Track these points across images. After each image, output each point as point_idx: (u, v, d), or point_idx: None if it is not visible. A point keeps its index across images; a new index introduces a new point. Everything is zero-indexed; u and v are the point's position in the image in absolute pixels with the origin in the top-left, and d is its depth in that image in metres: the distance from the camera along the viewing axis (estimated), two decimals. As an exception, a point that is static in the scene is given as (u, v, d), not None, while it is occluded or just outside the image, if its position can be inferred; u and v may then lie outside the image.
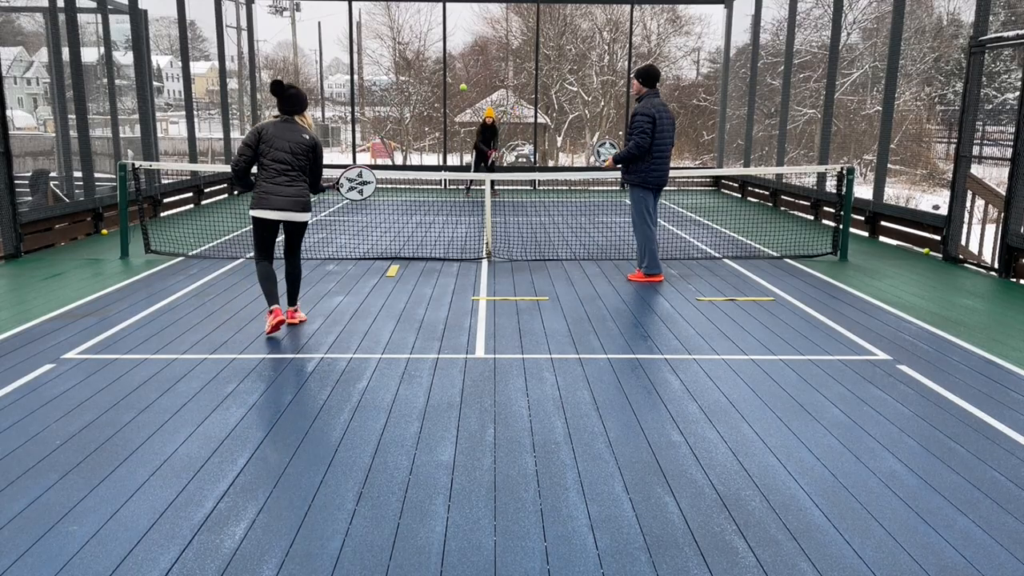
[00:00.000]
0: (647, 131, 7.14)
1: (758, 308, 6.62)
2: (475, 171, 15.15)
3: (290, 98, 5.54)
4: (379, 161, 33.13)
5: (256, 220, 5.56)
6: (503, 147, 30.66)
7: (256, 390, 4.55)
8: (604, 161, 7.74)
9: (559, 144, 34.42)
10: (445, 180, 17.67)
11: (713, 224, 11.79)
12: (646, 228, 7.52)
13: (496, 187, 16.20)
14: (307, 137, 5.55)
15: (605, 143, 7.92)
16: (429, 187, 17.63)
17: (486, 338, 5.63)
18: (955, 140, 10.56)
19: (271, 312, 5.51)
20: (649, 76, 7.31)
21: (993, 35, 8.42)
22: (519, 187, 17.41)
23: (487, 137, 15.33)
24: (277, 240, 5.72)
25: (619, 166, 7.55)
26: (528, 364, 5.06)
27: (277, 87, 5.51)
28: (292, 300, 5.93)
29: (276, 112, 5.63)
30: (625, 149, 7.33)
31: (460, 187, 16.77)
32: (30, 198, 11.21)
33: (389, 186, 17.88)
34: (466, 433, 3.97)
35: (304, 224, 5.68)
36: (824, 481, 3.48)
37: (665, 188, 7.66)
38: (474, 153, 15.49)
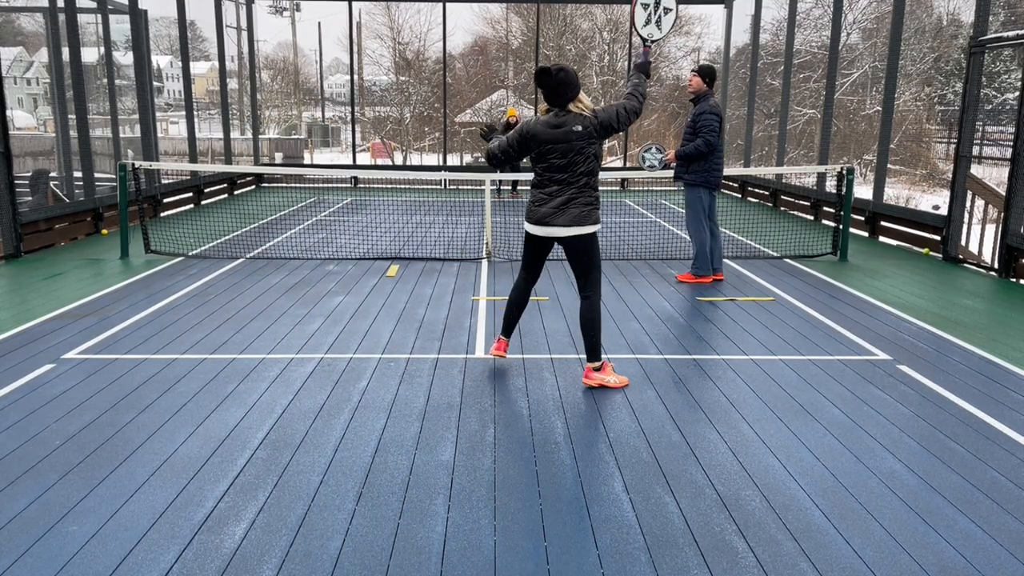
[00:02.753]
0: (716, 130, 7.10)
1: (758, 308, 6.62)
2: (511, 171, 14.93)
3: (559, 85, 4.35)
4: (379, 161, 33.13)
5: (526, 232, 4.70)
6: None
7: (256, 390, 4.55)
8: (650, 167, 7.46)
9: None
10: (445, 180, 17.67)
11: (713, 224, 11.78)
12: (702, 229, 7.38)
13: (519, 187, 16.04)
14: (577, 129, 4.38)
15: (651, 148, 7.72)
16: (429, 187, 17.63)
17: (486, 338, 5.63)
18: (955, 140, 10.57)
19: (498, 340, 4.94)
20: (710, 74, 7.26)
21: (993, 35, 8.42)
22: (520, 187, 17.40)
23: None
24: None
25: (673, 164, 7.41)
26: (528, 364, 5.06)
27: (543, 76, 4.35)
28: (589, 354, 4.69)
29: (543, 106, 4.56)
30: (692, 146, 7.17)
31: (505, 188, 16.29)
32: (30, 198, 11.22)
33: (389, 186, 17.88)
34: (466, 433, 3.97)
35: (582, 240, 4.52)
36: (824, 481, 3.48)
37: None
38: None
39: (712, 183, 7.28)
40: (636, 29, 5.05)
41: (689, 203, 7.42)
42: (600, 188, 4.74)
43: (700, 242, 7.42)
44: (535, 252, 4.74)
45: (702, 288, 7.35)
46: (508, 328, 4.95)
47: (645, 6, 5.01)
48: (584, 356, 4.84)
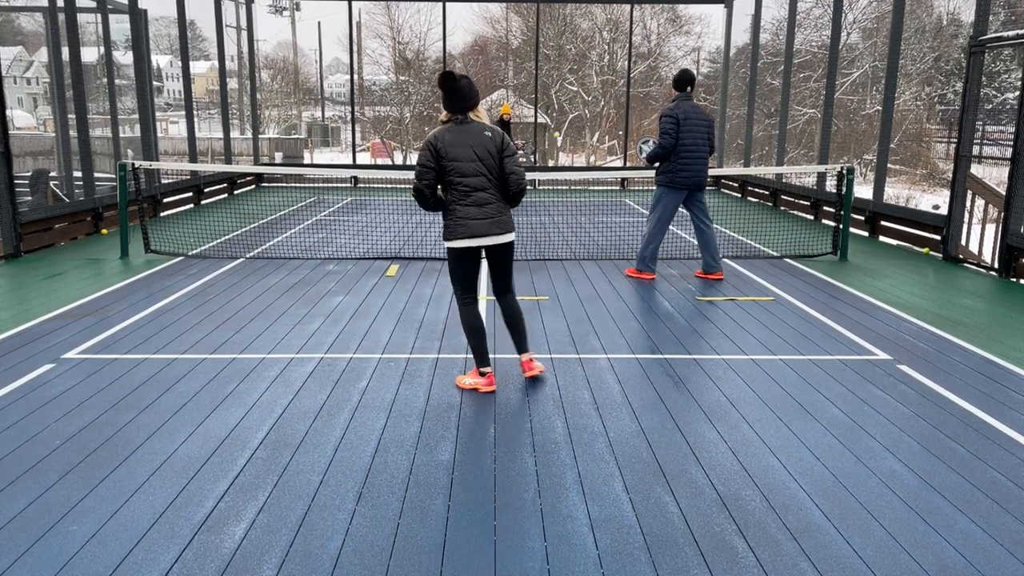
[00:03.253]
0: (669, 132, 7.29)
1: (758, 308, 6.62)
2: None
3: (460, 91, 4.34)
4: (379, 161, 33.12)
5: (456, 252, 4.50)
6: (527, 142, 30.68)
7: (256, 390, 4.55)
8: (647, 158, 7.82)
9: (559, 144, 34.41)
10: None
11: (713, 224, 11.78)
12: (655, 226, 7.57)
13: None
14: (488, 135, 4.38)
15: (648, 140, 7.99)
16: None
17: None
18: (955, 140, 10.57)
19: (483, 375, 4.58)
20: (677, 81, 7.54)
21: (993, 35, 8.42)
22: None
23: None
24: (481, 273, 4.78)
25: (655, 165, 7.65)
26: (528, 364, 5.06)
27: (448, 80, 4.31)
28: (521, 346, 4.76)
29: (444, 115, 4.48)
30: (652, 149, 7.54)
31: None
32: (30, 198, 11.22)
33: (389, 186, 17.88)
34: (466, 433, 3.97)
35: (511, 244, 4.59)
36: (824, 481, 3.48)
37: (655, 189, 7.72)
38: None
39: (678, 183, 7.41)
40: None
41: (654, 200, 7.66)
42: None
43: (648, 240, 7.62)
44: (473, 267, 4.57)
45: (702, 288, 7.35)
46: (485, 357, 4.62)
47: None
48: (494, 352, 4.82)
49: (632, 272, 7.86)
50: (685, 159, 7.34)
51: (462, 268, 4.55)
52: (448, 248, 4.53)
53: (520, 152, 17.39)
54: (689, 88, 7.47)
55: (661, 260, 8.75)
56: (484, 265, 4.78)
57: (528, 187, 4.54)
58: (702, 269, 7.83)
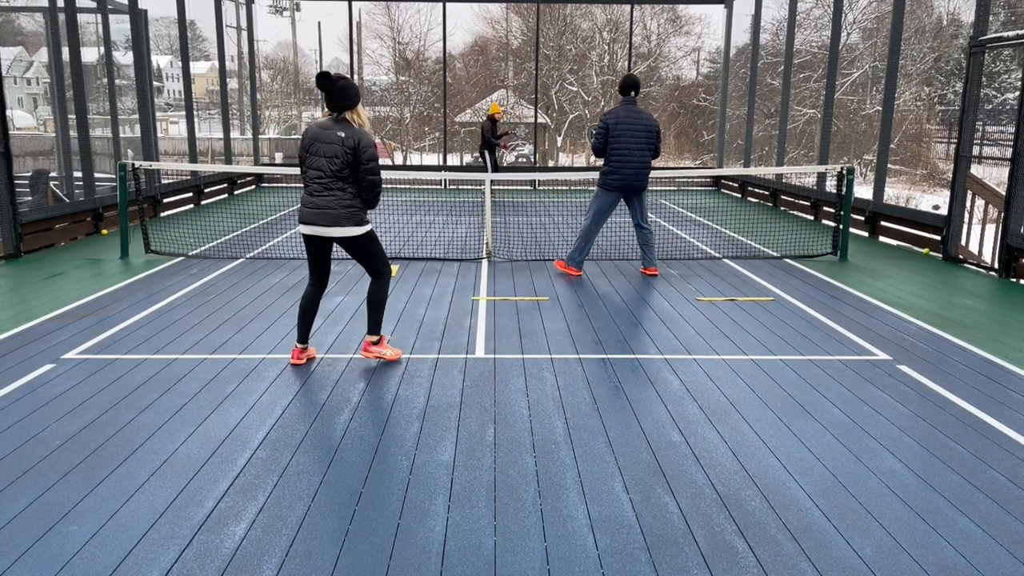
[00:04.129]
0: (597, 135, 7.67)
1: (758, 308, 6.62)
2: (495, 169, 14.90)
3: (337, 92, 4.65)
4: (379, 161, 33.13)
5: (302, 235, 4.91)
6: (510, 146, 30.66)
7: (256, 390, 4.55)
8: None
9: (559, 144, 34.42)
10: (445, 180, 17.66)
11: (713, 224, 11.79)
12: (593, 225, 7.84)
13: (493, 188, 16.08)
14: (342, 135, 4.64)
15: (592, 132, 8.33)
16: (429, 187, 17.63)
17: (486, 338, 5.63)
18: (955, 140, 10.57)
19: (301, 349, 5.01)
20: (624, 85, 7.77)
21: (993, 35, 8.42)
22: (519, 187, 17.41)
23: (494, 133, 15.01)
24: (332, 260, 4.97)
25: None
26: (528, 364, 5.06)
27: (324, 80, 4.64)
28: (369, 328, 5.06)
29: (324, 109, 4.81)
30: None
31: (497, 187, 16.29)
32: (30, 198, 11.22)
33: (389, 186, 17.88)
34: (466, 433, 3.97)
35: (355, 239, 4.82)
36: (824, 481, 3.48)
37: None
38: (486, 153, 15.14)
39: (608, 184, 7.69)
40: None
41: (592, 200, 7.94)
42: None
43: (586, 235, 7.86)
44: (314, 253, 4.91)
45: (702, 288, 7.35)
46: (306, 334, 5.03)
47: None
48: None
49: (560, 264, 8.10)
50: (616, 163, 7.60)
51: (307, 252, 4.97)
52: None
53: (516, 143, 17.28)
54: (633, 93, 7.69)
55: (661, 260, 8.75)
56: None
57: (380, 188, 4.82)
58: (642, 264, 8.06)
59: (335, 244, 4.87)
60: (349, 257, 8.74)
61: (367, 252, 4.90)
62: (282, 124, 38.87)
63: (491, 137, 14.80)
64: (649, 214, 7.96)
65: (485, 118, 15.34)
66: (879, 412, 4.30)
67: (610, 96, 33.09)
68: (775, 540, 2.99)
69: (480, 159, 15.19)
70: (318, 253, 4.89)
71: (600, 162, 7.95)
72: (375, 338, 5.04)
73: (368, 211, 4.87)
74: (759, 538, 3.01)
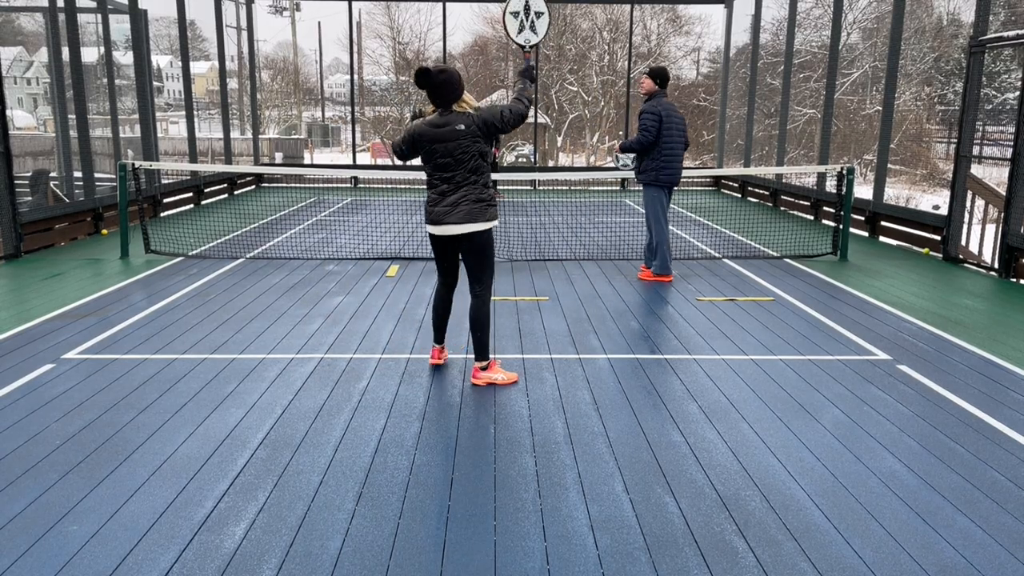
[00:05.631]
0: (650, 129, 7.28)
1: (758, 308, 6.62)
2: (492, 169, 14.89)
3: (441, 86, 4.42)
4: (379, 161, 33.13)
5: (430, 237, 4.75)
6: (503, 147, 30.63)
7: (256, 390, 4.55)
8: (623, 165, 7.86)
9: (559, 144, 34.41)
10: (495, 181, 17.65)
11: (713, 224, 11.79)
12: (660, 227, 7.56)
13: (496, 187, 16.12)
14: (461, 128, 4.42)
15: (620, 159, 7.96)
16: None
17: (486, 338, 5.62)
18: (955, 140, 10.56)
19: (436, 348, 4.97)
20: (663, 77, 7.51)
21: (993, 35, 8.42)
22: (519, 187, 17.42)
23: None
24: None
25: (632, 167, 7.69)
26: (528, 364, 5.06)
27: (424, 77, 4.40)
28: (476, 352, 4.73)
29: (429, 107, 4.59)
30: (628, 141, 7.56)
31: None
32: (30, 198, 11.22)
33: (389, 186, 17.88)
34: (466, 433, 3.97)
35: (477, 237, 4.57)
36: (824, 481, 3.48)
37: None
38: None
39: (662, 181, 7.43)
40: (512, 38, 5.19)
41: (646, 202, 7.63)
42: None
43: (659, 240, 7.57)
44: (442, 253, 4.76)
45: (702, 288, 7.35)
46: (440, 334, 4.98)
47: (515, 14, 5.17)
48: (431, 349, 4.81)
49: (647, 276, 7.74)
50: (667, 157, 7.36)
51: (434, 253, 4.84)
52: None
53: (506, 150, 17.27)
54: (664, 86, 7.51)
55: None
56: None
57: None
58: (645, 264, 7.91)
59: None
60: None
61: (483, 253, 4.62)
62: (282, 124, 38.87)
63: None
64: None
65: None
66: (879, 412, 4.30)
67: (610, 96, 33.08)
68: (775, 540, 2.99)
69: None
70: (450, 254, 4.73)
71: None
72: (484, 363, 4.71)
73: (494, 205, 4.62)
74: (759, 538, 3.01)
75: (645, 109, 7.38)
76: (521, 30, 5.23)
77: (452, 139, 4.43)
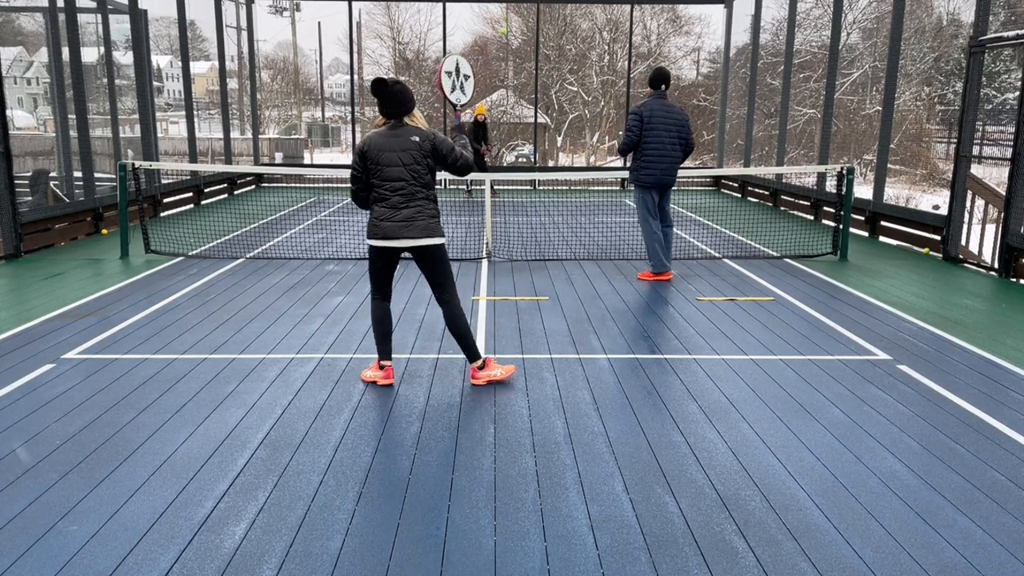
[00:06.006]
0: (632, 129, 7.39)
1: (758, 308, 6.62)
2: (480, 169, 14.95)
3: (395, 97, 4.42)
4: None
5: (370, 249, 4.64)
6: (503, 147, 30.63)
7: (256, 390, 4.55)
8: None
9: (559, 144, 34.40)
10: (445, 180, 17.65)
11: (713, 224, 11.79)
12: (647, 226, 7.59)
13: (495, 187, 16.11)
14: (416, 139, 4.44)
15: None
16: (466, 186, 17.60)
17: (486, 338, 5.63)
18: (955, 140, 10.56)
19: (381, 368, 4.69)
20: (652, 79, 7.58)
21: (993, 35, 8.42)
22: (519, 187, 17.41)
23: (478, 135, 14.98)
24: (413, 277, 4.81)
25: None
26: (528, 364, 5.06)
27: (379, 86, 4.37)
28: (469, 357, 4.76)
29: (379, 119, 4.57)
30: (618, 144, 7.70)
31: (460, 187, 16.59)
32: (30, 198, 11.22)
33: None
34: (466, 433, 3.97)
35: (435, 250, 4.58)
36: (824, 481, 3.48)
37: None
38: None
39: (643, 181, 7.46)
40: (446, 95, 5.41)
41: (634, 201, 7.75)
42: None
43: (647, 239, 7.61)
44: (386, 267, 4.66)
45: (702, 288, 7.35)
46: (387, 350, 4.74)
47: (448, 74, 5.40)
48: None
49: (646, 276, 7.73)
50: (649, 157, 7.39)
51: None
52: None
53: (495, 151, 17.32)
54: (664, 87, 7.51)
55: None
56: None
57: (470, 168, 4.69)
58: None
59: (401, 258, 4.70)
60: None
61: (442, 265, 4.63)
62: (282, 124, 38.87)
63: (472, 140, 14.75)
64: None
65: (471, 119, 15.26)
66: (879, 412, 4.30)
67: (610, 96, 33.07)
68: (775, 540, 2.99)
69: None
70: (391, 269, 4.68)
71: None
72: (479, 362, 4.72)
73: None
74: (759, 538, 3.01)
75: (632, 110, 7.53)
76: (453, 89, 5.46)
77: (406, 149, 4.43)
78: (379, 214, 4.50)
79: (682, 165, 7.73)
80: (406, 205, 4.47)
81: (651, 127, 7.30)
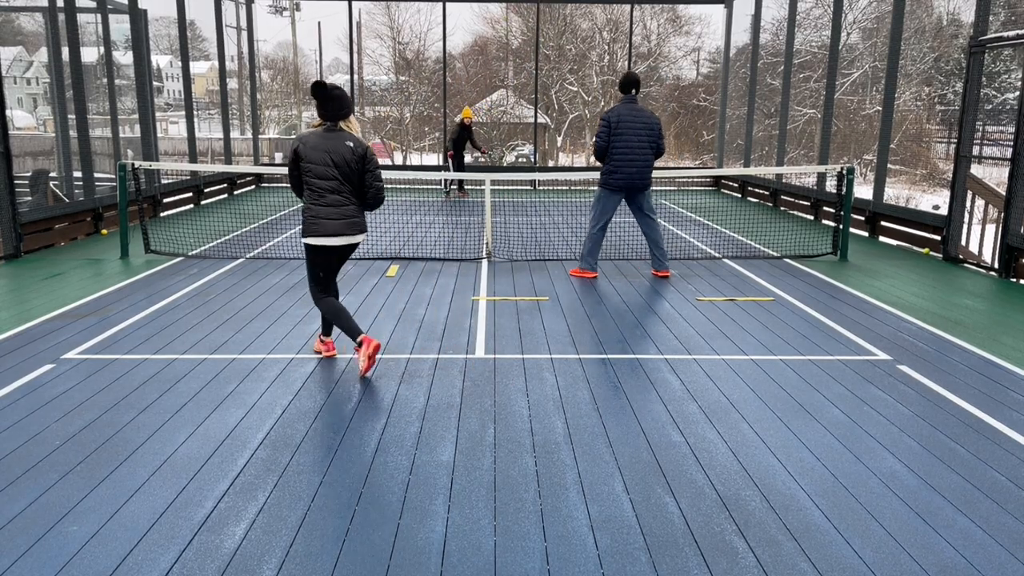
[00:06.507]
0: (600, 134, 7.55)
1: (758, 308, 6.62)
2: (459, 169, 14.91)
3: (333, 100, 4.66)
4: (379, 161, 33.12)
5: (311, 248, 4.85)
6: (503, 147, 30.62)
7: (256, 390, 4.55)
8: None
9: (559, 144, 34.41)
10: (445, 180, 17.65)
11: (713, 224, 11.79)
12: (593, 226, 7.77)
13: (464, 186, 16.03)
14: (351, 144, 4.70)
15: None
16: (429, 187, 17.62)
17: (486, 338, 5.63)
18: (955, 140, 10.56)
19: (359, 345, 4.77)
20: (621, 83, 7.71)
21: (993, 35, 8.42)
22: (519, 187, 17.42)
23: (464, 138, 14.88)
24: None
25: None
26: (528, 364, 5.06)
27: (319, 89, 4.63)
28: (327, 330, 5.18)
29: (316, 119, 4.80)
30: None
31: (447, 189, 16.38)
32: (30, 198, 11.22)
33: (389, 186, 17.88)
34: (466, 433, 3.97)
35: (356, 246, 5.00)
36: (824, 481, 3.48)
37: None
38: (451, 158, 14.94)
39: (612, 184, 7.59)
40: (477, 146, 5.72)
41: (593, 201, 7.87)
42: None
43: (590, 239, 7.78)
44: (329, 262, 4.91)
45: (702, 288, 7.35)
46: (355, 330, 4.88)
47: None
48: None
49: (575, 272, 7.92)
50: (618, 161, 7.50)
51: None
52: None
53: (481, 157, 17.31)
54: (634, 91, 7.61)
55: (668, 260, 8.75)
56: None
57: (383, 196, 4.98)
58: (653, 267, 7.98)
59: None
60: (351, 257, 8.75)
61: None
62: (282, 124, 38.86)
63: (459, 143, 14.77)
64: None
65: (456, 122, 15.22)
66: (879, 412, 4.30)
67: (610, 96, 33.06)
68: (775, 540, 2.99)
69: (445, 161, 15.06)
70: (334, 265, 4.94)
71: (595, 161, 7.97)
72: (331, 338, 5.20)
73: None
74: (759, 538, 3.01)
75: (601, 115, 7.66)
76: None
77: (339, 152, 4.67)
78: (318, 212, 4.74)
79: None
80: (341, 204, 4.76)
81: (619, 132, 7.44)
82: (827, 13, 22.86)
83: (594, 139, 7.59)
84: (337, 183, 4.72)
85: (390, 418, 4.15)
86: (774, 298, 6.99)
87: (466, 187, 16.14)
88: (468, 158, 16.77)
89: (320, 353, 5.19)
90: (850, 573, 2.79)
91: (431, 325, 5.98)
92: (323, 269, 4.91)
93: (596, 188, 7.83)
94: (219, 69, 15.99)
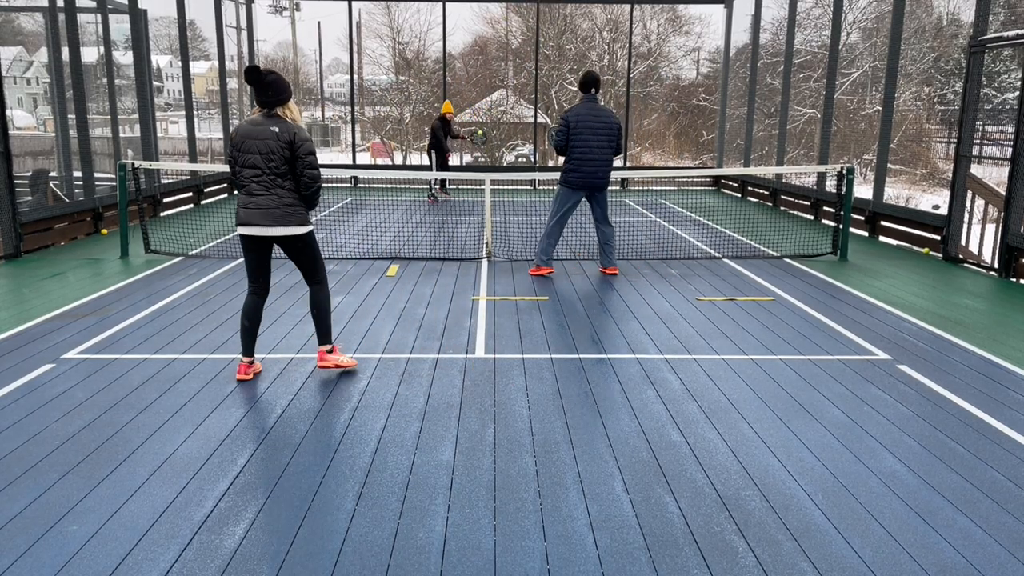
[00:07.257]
0: (559, 133, 7.64)
1: (758, 308, 6.62)
2: (442, 168, 14.63)
3: (268, 86, 4.45)
4: (379, 161, 33.14)
5: (240, 237, 4.69)
6: (503, 147, 30.63)
7: (256, 390, 4.55)
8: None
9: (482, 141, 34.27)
10: (445, 180, 17.64)
11: (713, 224, 11.79)
12: (555, 225, 7.82)
13: (447, 186, 15.91)
14: (275, 130, 4.45)
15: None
16: (425, 188, 17.59)
17: (486, 338, 5.63)
18: (955, 140, 10.56)
19: (247, 363, 4.74)
20: (581, 83, 7.75)
21: (993, 35, 8.42)
22: (519, 187, 17.41)
23: (444, 133, 14.53)
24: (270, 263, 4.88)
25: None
26: (528, 364, 5.06)
27: (253, 74, 4.42)
28: (320, 338, 4.86)
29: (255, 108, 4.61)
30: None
31: (431, 190, 16.14)
32: (30, 198, 11.22)
33: (389, 186, 17.87)
34: (466, 433, 3.97)
35: (297, 239, 4.65)
36: (824, 481, 3.48)
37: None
38: (433, 153, 14.55)
39: (570, 183, 7.69)
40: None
41: (554, 200, 7.95)
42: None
43: (547, 236, 7.85)
44: (254, 255, 4.70)
45: (702, 288, 7.35)
46: (250, 347, 4.75)
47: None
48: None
49: (533, 271, 7.93)
50: (577, 160, 7.59)
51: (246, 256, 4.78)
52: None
53: (470, 139, 16.92)
54: (593, 90, 7.63)
55: (661, 260, 8.75)
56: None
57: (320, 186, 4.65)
58: (601, 264, 8.06)
59: (275, 247, 4.72)
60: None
61: (308, 253, 4.72)
62: (282, 124, 38.73)
63: (442, 137, 14.49)
64: (612, 215, 7.90)
65: (436, 117, 14.97)
66: (879, 412, 4.30)
67: (610, 96, 33.06)
68: (775, 540, 2.99)
69: (428, 158, 14.79)
70: (260, 257, 4.70)
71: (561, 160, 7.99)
72: (328, 347, 4.84)
73: (310, 211, 4.73)
74: (759, 538, 3.01)
75: (561, 115, 7.71)
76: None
77: (263, 138, 4.45)
78: (240, 201, 4.59)
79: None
80: (261, 193, 4.52)
81: (577, 132, 7.50)
82: (827, 13, 22.86)
83: (553, 135, 7.61)
84: (258, 171, 4.48)
85: (390, 418, 4.15)
86: (774, 298, 6.99)
87: (448, 187, 15.97)
88: (455, 159, 16.53)
89: (340, 365, 4.90)
90: (850, 573, 2.79)
91: (431, 325, 5.98)
92: (248, 261, 4.71)
93: (557, 187, 7.88)
94: (219, 69, 15.99)
